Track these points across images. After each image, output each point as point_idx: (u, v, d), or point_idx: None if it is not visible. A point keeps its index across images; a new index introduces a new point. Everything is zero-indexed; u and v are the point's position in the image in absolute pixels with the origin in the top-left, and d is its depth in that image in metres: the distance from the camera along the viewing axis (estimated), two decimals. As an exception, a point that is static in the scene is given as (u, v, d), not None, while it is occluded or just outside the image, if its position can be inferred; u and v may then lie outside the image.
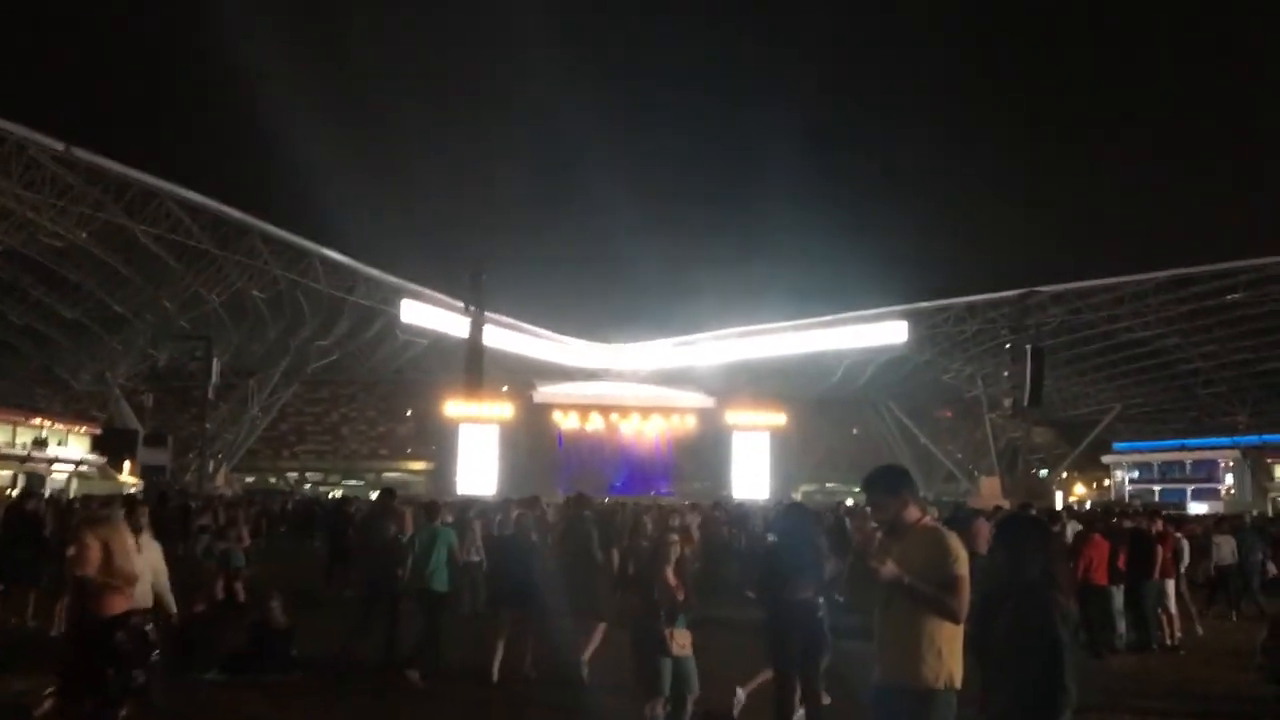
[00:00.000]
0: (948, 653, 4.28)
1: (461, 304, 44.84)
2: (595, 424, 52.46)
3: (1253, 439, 53.08)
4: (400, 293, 46.04)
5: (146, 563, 6.97)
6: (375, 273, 44.56)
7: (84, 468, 38.83)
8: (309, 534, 18.97)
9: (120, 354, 44.76)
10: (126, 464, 39.27)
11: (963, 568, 4.29)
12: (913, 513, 4.57)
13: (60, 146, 29.50)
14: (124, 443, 40.37)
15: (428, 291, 47.00)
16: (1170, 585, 12.68)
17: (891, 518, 4.57)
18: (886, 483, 4.67)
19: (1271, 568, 17.52)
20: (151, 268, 37.84)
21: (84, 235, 33.50)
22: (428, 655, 9.90)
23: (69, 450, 40.23)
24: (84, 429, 42.33)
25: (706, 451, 52.41)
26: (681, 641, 7.23)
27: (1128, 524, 13.72)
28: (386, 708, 8.88)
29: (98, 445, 41.04)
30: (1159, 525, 13.21)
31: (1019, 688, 3.94)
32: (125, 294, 39.75)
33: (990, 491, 49.94)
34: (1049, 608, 3.96)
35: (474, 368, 39.05)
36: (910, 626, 4.30)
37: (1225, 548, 14.84)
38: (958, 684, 4.30)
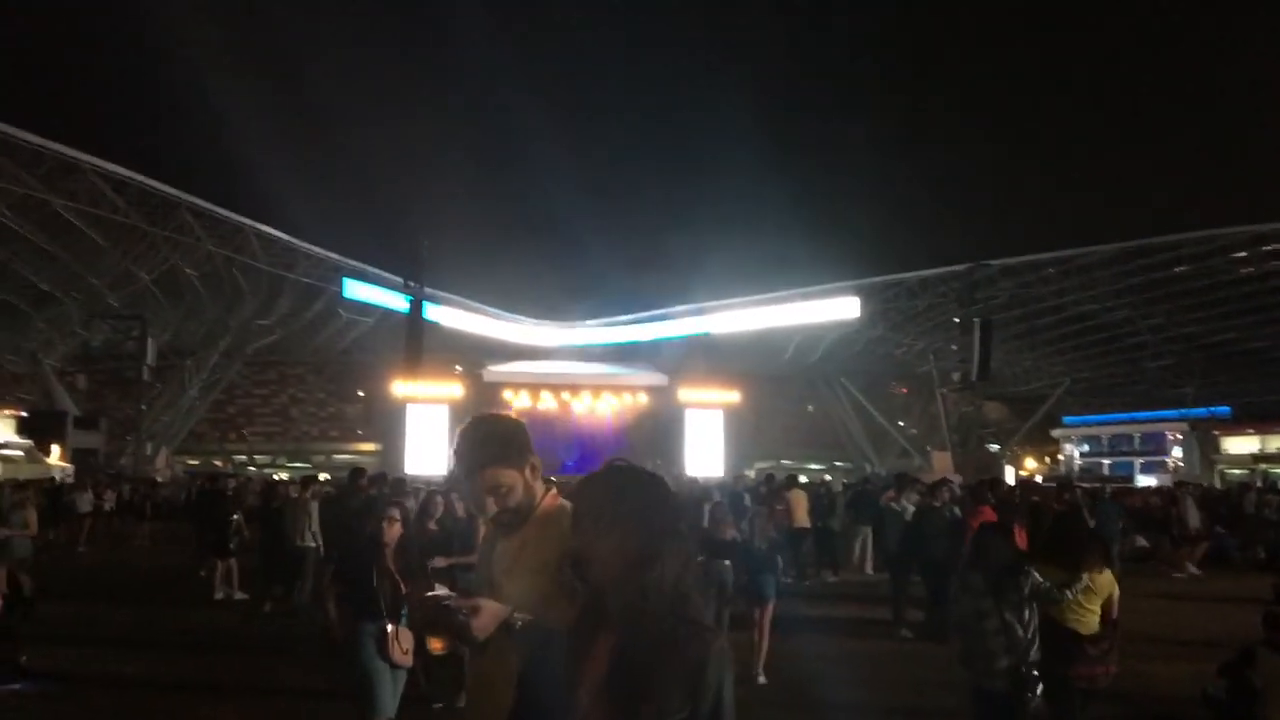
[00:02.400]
0: None
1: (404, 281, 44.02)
2: (547, 403, 51.87)
3: (1200, 411, 53.39)
4: (342, 270, 45.07)
5: None
6: (315, 249, 43.47)
7: (7, 451, 37.65)
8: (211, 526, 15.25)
9: (51, 334, 43.61)
10: (55, 448, 38.17)
11: None
12: (535, 490, 2.90)
13: (-38, 116, 28.34)
14: (52, 425, 39.12)
15: (370, 269, 46.01)
16: None
17: (517, 502, 2.83)
18: (509, 445, 2.85)
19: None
20: (77, 244, 36.62)
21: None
22: None
23: (-7, 435, 39.02)
24: (9, 411, 41.15)
25: (660, 430, 51.95)
26: (404, 645, 5.85)
27: (1034, 498, 13.08)
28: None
29: (23, 428, 39.82)
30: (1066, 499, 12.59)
31: None
32: (52, 271, 38.56)
33: (942, 466, 49.76)
34: (701, 644, 2.10)
35: (414, 345, 38.18)
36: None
37: None
38: None
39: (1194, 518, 19.22)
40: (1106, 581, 6.14)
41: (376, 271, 45.85)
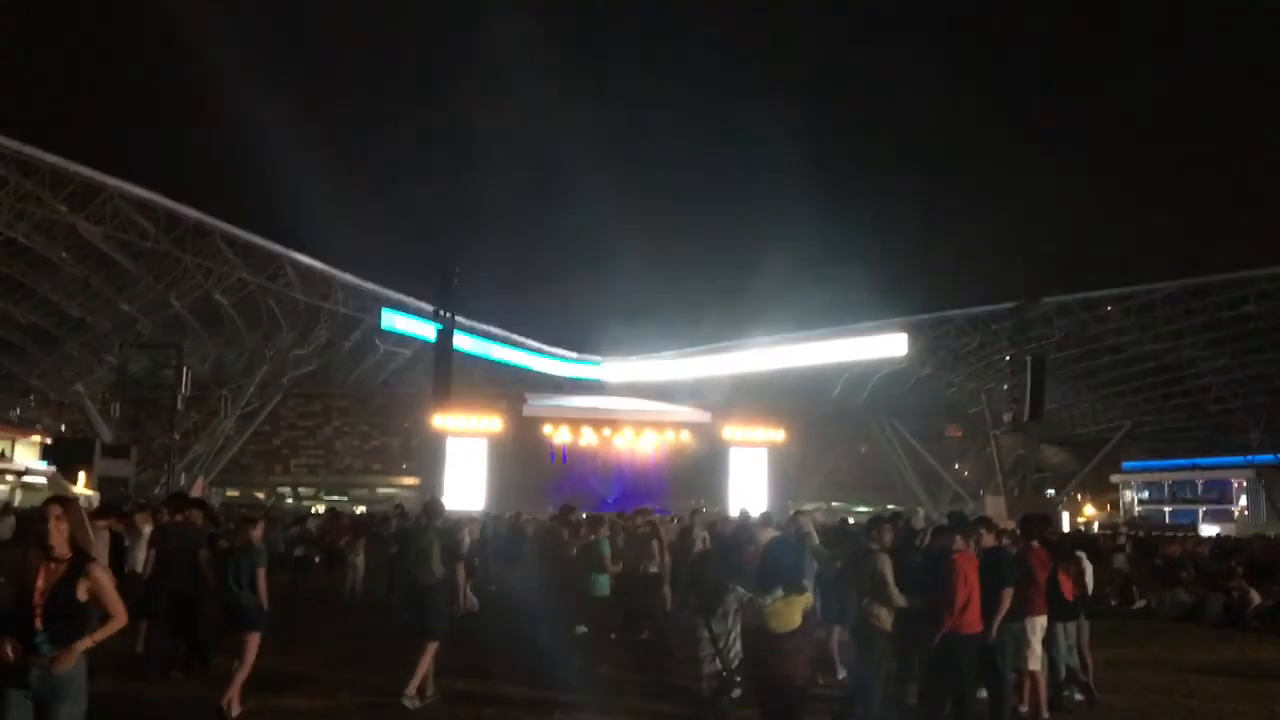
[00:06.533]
0: None
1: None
2: (588, 438, 50.99)
3: (1267, 458, 51.02)
4: (379, 300, 44.65)
5: None
6: (351, 279, 43.12)
7: (30, 478, 37.18)
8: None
9: (88, 361, 43.54)
10: (81, 475, 37.65)
11: None
12: None
13: (-15, 135, 28.16)
14: (78, 452, 38.67)
15: (408, 300, 45.58)
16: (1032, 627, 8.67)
17: None
18: None
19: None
20: (107, 269, 36.50)
21: (23, 231, 32.17)
22: None
23: (16, 461, 38.51)
24: (35, 437, 40.93)
25: (703, 467, 50.82)
26: None
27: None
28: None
29: (47, 454, 39.32)
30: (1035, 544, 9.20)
31: None
32: (83, 297, 38.46)
33: (995, 511, 47.80)
34: None
35: (442, 376, 37.37)
36: None
37: None
38: None
39: None
40: (802, 599, 6.83)
41: (413, 302, 45.38)
